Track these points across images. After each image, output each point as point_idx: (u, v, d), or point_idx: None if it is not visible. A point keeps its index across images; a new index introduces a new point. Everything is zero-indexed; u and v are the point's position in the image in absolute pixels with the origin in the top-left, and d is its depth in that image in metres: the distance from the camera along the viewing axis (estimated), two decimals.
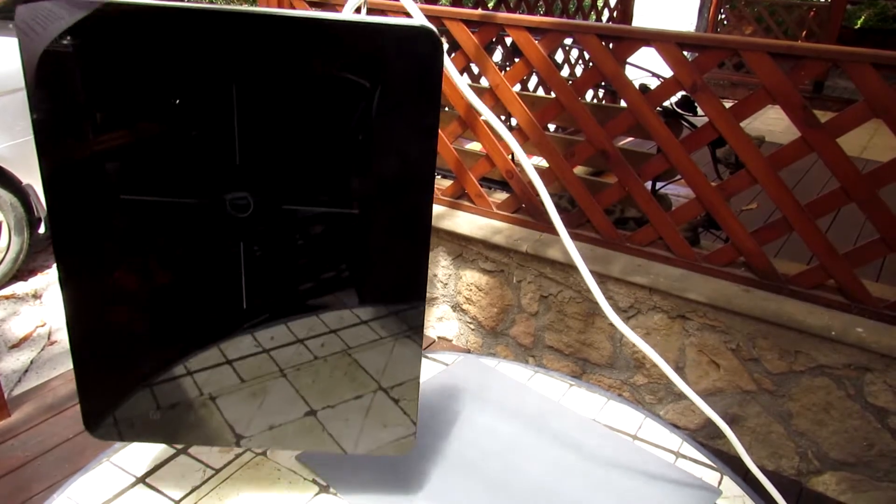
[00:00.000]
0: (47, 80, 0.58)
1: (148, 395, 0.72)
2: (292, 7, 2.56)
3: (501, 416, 0.96)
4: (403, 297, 0.68)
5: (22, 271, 3.44)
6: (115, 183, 0.62)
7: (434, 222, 2.43)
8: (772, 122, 5.33)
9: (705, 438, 2.09)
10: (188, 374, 0.72)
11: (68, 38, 0.56)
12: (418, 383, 0.73)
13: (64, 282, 0.66)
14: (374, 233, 0.66)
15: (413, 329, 0.69)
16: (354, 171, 0.63)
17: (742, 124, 1.86)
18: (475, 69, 3.78)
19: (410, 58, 0.58)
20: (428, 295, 2.61)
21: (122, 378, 0.72)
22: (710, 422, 2.08)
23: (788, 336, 1.87)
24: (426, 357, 1.09)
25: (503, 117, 2.90)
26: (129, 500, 0.77)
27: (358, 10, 0.60)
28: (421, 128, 0.61)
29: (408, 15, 0.62)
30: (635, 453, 0.90)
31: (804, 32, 7.16)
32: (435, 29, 0.58)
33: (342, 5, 0.63)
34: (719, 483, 0.86)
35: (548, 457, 0.89)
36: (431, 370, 1.06)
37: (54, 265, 3.71)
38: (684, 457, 0.90)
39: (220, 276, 0.67)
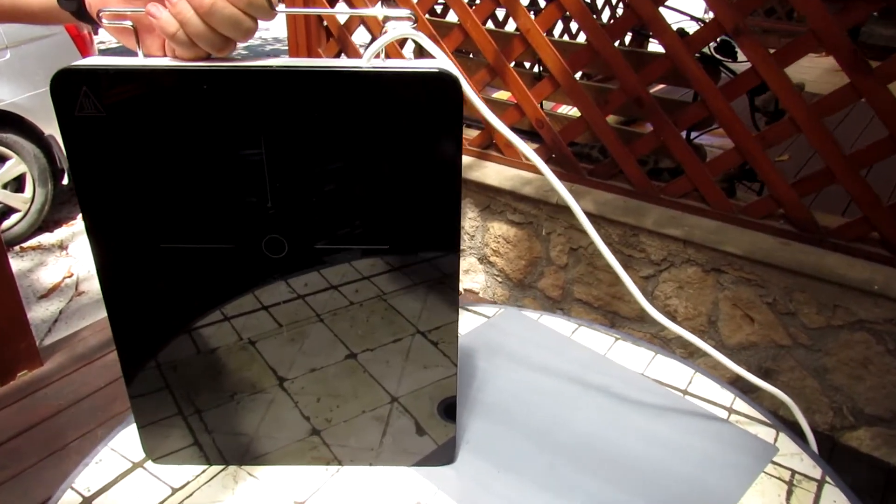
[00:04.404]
0: (84, 144, 0.61)
1: (188, 340, 0.71)
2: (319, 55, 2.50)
3: (545, 369, 0.94)
4: (436, 245, 0.68)
5: (47, 222, 3.46)
6: (156, 232, 0.65)
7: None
8: (805, 71, 5.17)
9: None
10: (225, 319, 0.71)
11: (102, 102, 0.59)
12: (457, 325, 0.72)
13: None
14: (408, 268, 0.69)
15: (448, 275, 0.69)
16: (381, 206, 0.65)
17: None
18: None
19: (431, 100, 0.59)
20: None
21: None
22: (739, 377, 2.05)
23: (828, 290, 1.82)
24: (465, 309, 1.07)
25: (527, 63, 2.82)
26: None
27: (378, 56, 0.59)
28: (445, 162, 0.63)
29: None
30: (686, 408, 0.88)
31: None
32: (455, 71, 0.59)
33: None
34: (775, 440, 0.83)
35: (594, 410, 0.86)
36: (472, 323, 1.03)
37: (79, 216, 3.75)
38: (737, 412, 0.87)
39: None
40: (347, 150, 0.62)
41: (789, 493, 0.75)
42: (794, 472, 0.78)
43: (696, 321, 2.08)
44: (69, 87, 0.58)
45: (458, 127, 0.61)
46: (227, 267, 0.67)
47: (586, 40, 2.06)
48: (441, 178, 0.63)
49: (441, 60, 0.61)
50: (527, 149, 0.69)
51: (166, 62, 0.59)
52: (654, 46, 3.50)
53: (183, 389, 0.74)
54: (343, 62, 0.60)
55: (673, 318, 2.11)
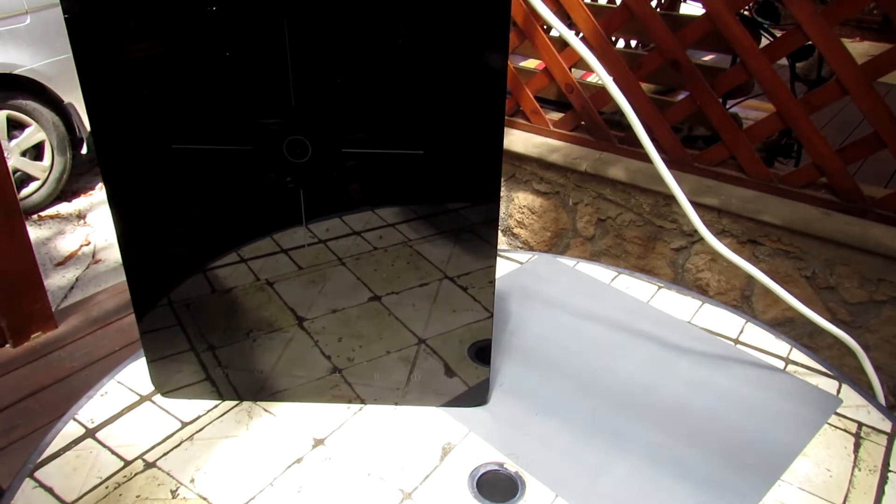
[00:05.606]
0: (86, 26, 0.56)
1: (203, 279, 0.65)
2: None
3: (585, 314, 0.87)
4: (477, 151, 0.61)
5: (66, 192, 3.43)
6: (167, 131, 0.59)
7: None
8: None
9: None
10: (241, 262, 0.65)
11: None
12: (494, 269, 0.65)
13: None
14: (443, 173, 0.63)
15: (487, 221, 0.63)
16: (417, 103, 0.58)
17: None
18: None
19: None
20: None
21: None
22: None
23: (872, 263, 1.73)
24: (498, 255, 1.00)
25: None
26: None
27: None
28: (489, 51, 0.56)
29: None
30: (739, 357, 0.81)
31: None
32: None
33: None
34: (838, 391, 0.76)
35: (639, 356, 0.79)
36: (505, 268, 0.97)
37: (98, 187, 3.68)
38: (795, 363, 0.80)
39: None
40: (380, 38, 0.55)
41: (857, 446, 0.68)
42: (860, 425, 0.71)
43: (729, 296, 2.00)
44: None
45: (504, 7, 0.54)
46: (246, 172, 0.60)
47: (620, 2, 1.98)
48: (485, 69, 0.56)
49: None
50: (602, 72, 0.62)
51: None
52: (686, 10, 3.39)
53: (196, 326, 0.68)
54: None
55: (704, 293, 2.03)
